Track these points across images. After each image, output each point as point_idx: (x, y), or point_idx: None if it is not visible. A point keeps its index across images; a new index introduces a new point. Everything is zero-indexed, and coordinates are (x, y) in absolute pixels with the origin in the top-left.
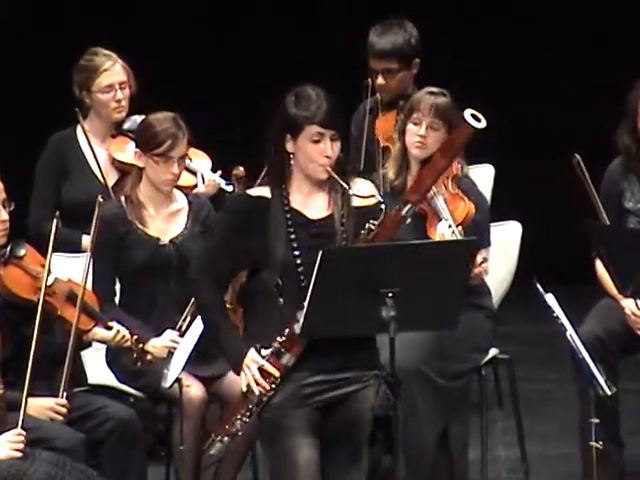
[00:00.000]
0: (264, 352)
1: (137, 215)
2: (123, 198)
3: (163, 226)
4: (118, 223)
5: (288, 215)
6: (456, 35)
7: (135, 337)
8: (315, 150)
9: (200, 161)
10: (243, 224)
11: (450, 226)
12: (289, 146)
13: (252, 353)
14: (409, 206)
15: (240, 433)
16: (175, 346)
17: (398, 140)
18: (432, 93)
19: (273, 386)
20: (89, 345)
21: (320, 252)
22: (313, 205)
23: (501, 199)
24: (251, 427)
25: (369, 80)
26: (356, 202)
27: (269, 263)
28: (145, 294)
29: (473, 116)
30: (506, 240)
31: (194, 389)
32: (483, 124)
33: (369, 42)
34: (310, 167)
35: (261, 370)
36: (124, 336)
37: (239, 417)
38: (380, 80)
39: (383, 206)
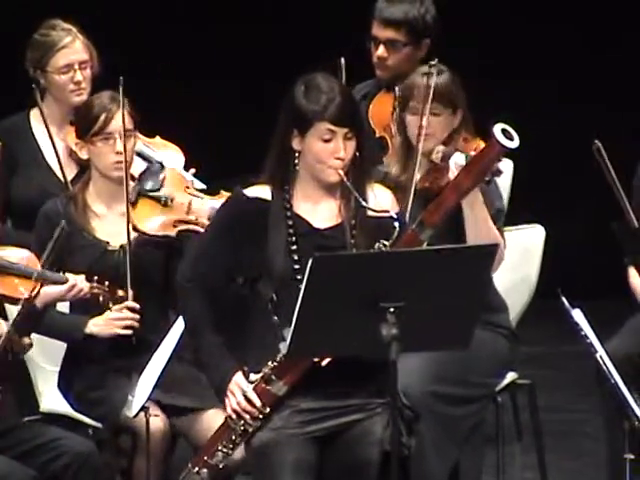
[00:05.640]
0: (253, 377)
1: (82, 216)
2: (67, 197)
3: (114, 228)
4: (62, 220)
5: (290, 222)
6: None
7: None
8: (325, 150)
9: (166, 154)
10: (237, 228)
11: (467, 157)
12: (295, 143)
13: (238, 377)
14: (428, 230)
15: (221, 466)
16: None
17: (398, 133)
18: (426, 74)
19: (260, 417)
20: (29, 346)
21: (310, 259)
22: (320, 212)
23: (521, 199)
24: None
25: (342, 59)
26: (371, 211)
27: (266, 274)
28: (90, 308)
29: (504, 132)
30: (527, 247)
31: (155, 420)
32: (516, 143)
33: (376, 7)
34: (318, 168)
35: (247, 397)
36: (82, 290)
37: (220, 448)
38: (381, 51)
39: (397, 224)
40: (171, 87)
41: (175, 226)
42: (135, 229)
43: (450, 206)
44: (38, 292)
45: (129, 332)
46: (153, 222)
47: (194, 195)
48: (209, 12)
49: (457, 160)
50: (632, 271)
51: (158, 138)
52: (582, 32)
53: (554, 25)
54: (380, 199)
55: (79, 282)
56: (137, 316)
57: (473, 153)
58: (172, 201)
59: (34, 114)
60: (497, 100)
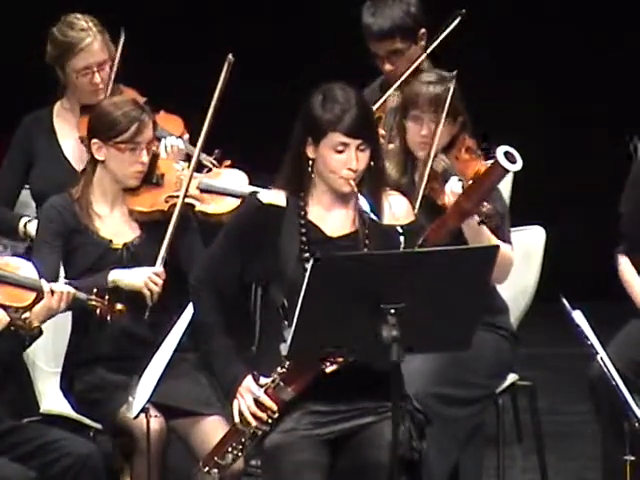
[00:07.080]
0: (263, 380)
1: (85, 215)
2: (70, 196)
3: (118, 227)
4: (68, 216)
5: (303, 229)
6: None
7: (95, 291)
8: (337, 160)
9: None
10: (251, 233)
11: (461, 180)
12: (310, 151)
13: (248, 380)
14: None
15: (230, 467)
16: (157, 281)
17: (397, 137)
18: (430, 83)
19: (270, 421)
20: (38, 333)
21: (310, 261)
22: (334, 220)
23: (521, 199)
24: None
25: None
26: (385, 220)
27: (277, 280)
28: (91, 322)
29: (507, 155)
30: (527, 248)
31: (153, 421)
32: (519, 166)
33: (364, 24)
34: (331, 178)
35: (257, 401)
36: (64, 294)
37: (230, 450)
38: (387, 66)
39: (402, 239)
40: (170, 87)
41: (167, 201)
42: (130, 212)
43: (452, 226)
44: (30, 307)
45: (148, 294)
46: (146, 201)
47: (180, 165)
48: (209, 12)
49: (452, 186)
50: (623, 259)
51: (162, 112)
52: (584, 32)
53: (556, 25)
54: (395, 208)
55: (56, 287)
56: (161, 283)
57: (470, 182)
58: (162, 178)
59: (56, 108)
60: (498, 101)
